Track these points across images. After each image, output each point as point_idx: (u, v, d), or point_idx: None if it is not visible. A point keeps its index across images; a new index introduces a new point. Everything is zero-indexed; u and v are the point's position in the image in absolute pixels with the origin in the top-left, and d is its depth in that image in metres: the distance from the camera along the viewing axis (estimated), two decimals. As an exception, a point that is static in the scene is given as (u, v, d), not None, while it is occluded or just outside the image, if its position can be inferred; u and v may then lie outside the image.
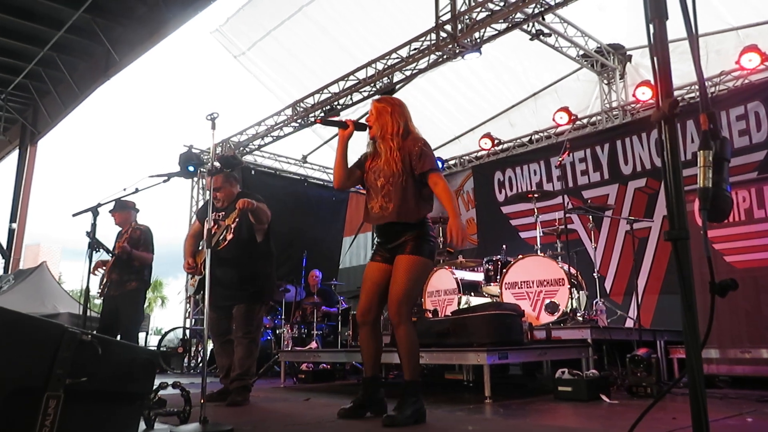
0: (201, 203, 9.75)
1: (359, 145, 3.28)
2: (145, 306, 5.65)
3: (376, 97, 3.83)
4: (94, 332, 1.71)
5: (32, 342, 1.47)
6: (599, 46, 7.91)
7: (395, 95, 7.51)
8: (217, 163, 3.56)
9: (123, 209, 5.22)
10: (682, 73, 5.99)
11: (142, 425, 2.53)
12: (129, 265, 5.11)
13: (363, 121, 3.20)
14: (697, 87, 6.96)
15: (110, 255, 5.08)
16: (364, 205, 3.19)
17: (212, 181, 3.83)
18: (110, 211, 5.23)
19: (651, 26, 1.24)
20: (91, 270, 5.34)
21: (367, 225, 3.30)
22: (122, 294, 5.10)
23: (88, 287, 4.73)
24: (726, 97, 6.53)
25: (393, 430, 2.68)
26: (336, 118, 3.17)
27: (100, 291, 5.35)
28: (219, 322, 4.10)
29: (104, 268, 5.29)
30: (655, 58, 1.20)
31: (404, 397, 2.87)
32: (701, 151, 1.16)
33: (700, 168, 1.16)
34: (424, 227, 3.02)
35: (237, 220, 3.85)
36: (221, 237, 3.93)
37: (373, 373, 3.10)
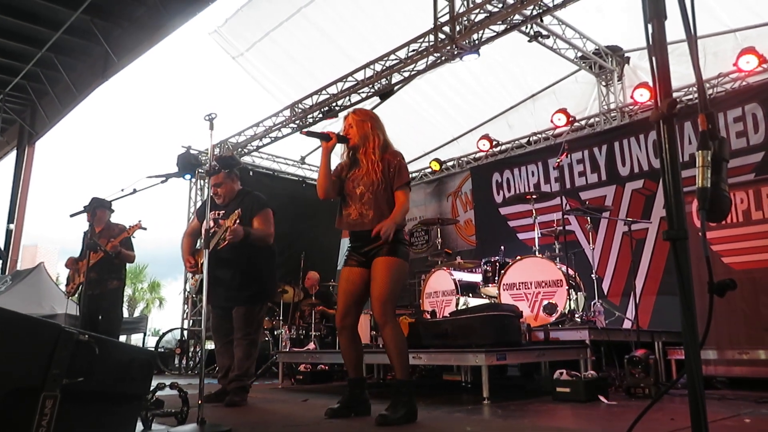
0: (199, 203, 9.74)
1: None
2: (124, 304, 5.64)
3: (354, 108, 3.90)
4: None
5: (29, 342, 1.47)
6: (597, 48, 7.92)
7: (392, 97, 7.57)
8: (215, 164, 3.56)
9: (100, 208, 5.11)
10: (680, 75, 5.96)
11: (140, 426, 2.53)
12: (111, 263, 5.08)
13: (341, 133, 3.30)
14: (694, 89, 6.98)
15: (110, 255, 5.07)
16: (338, 212, 3.26)
17: (213, 177, 3.86)
18: (86, 210, 4.97)
19: (650, 26, 1.24)
20: (65, 264, 5.33)
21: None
22: (104, 293, 5.07)
23: (86, 287, 4.73)
24: (723, 99, 6.54)
25: (386, 429, 2.70)
26: (319, 131, 3.23)
27: (68, 290, 5.30)
28: (221, 323, 4.10)
29: (76, 266, 5.26)
30: (653, 58, 1.20)
31: (396, 396, 2.92)
32: (699, 152, 1.16)
33: (698, 168, 1.16)
34: (398, 232, 3.11)
35: (237, 221, 3.82)
36: (221, 237, 3.90)
37: (357, 375, 3.18)
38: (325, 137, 3.17)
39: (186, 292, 9.60)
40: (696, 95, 6.96)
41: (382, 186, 3.10)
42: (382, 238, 2.95)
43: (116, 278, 5.21)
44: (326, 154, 3.17)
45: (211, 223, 3.89)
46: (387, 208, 3.09)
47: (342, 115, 7.82)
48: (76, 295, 5.33)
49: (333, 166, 3.28)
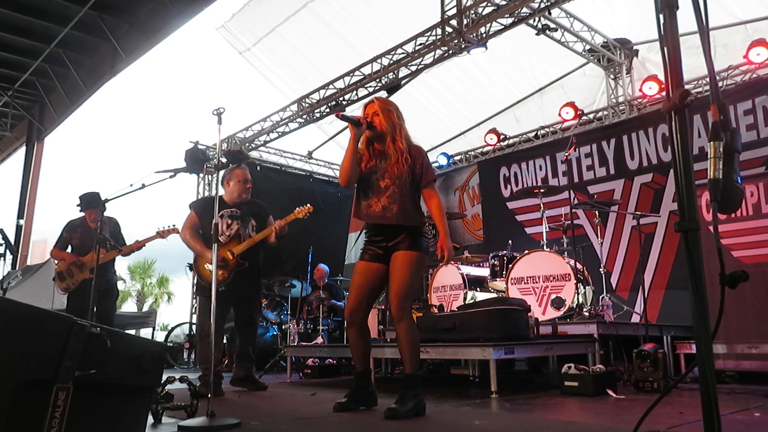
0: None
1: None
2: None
3: (376, 95, 3.90)
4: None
5: (42, 334, 1.48)
6: (606, 40, 7.87)
7: (400, 91, 7.55)
8: (223, 158, 3.59)
9: (100, 204, 5.01)
10: (689, 67, 5.87)
11: (150, 419, 2.55)
12: (113, 261, 5.10)
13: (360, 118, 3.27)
14: (703, 82, 6.92)
15: (118, 251, 5.09)
16: (354, 201, 3.23)
17: (245, 172, 4.31)
18: (90, 208, 5.00)
19: (661, 16, 1.23)
20: (65, 260, 5.21)
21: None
22: (105, 290, 5.02)
23: (95, 282, 4.74)
24: (733, 92, 6.48)
25: (395, 423, 2.71)
26: (351, 116, 3.18)
27: (64, 286, 5.08)
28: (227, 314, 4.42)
29: (78, 262, 5.09)
30: (665, 48, 1.19)
31: (405, 390, 2.93)
32: (712, 143, 1.15)
33: (710, 159, 1.15)
34: (420, 228, 3.12)
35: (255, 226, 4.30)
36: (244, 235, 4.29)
37: (364, 368, 3.18)
38: (356, 123, 3.11)
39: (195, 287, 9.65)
40: (705, 88, 6.92)
41: (408, 180, 3.08)
42: (445, 263, 3.13)
43: (113, 274, 5.24)
44: (355, 140, 3.10)
45: (230, 221, 4.26)
46: (411, 203, 3.09)
47: (349, 109, 7.84)
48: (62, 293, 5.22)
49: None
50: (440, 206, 3.16)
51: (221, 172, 3.99)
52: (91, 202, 4.97)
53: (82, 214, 5.18)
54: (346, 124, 3.17)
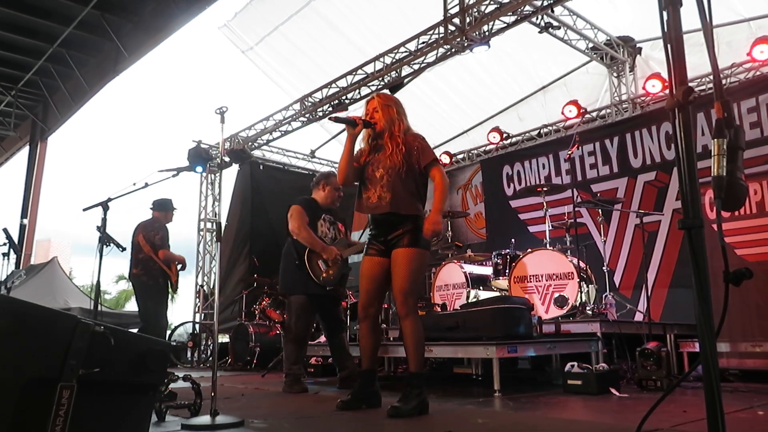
0: (209, 198, 9.77)
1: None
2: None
3: (379, 92, 3.90)
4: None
5: (46, 333, 1.49)
6: (609, 38, 7.85)
7: (402, 89, 7.55)
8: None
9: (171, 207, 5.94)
10: (692, 65, 5.85)
11: (153, 418, 2.55)
12: None
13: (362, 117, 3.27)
14: (707, 79, 6.89)
15: (121, 250, 5.15)
16: (357, 195, 3.25)
17: (338, 182, 4.43)
18: (164, 210, 5.86)
19: (665, 13, 1.23)
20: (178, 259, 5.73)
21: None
22: None
23: (99, 281, 4.76)
24: (737, 89, 6.46)
25: (398, 421, 2.71)
26: (345, 116, 3.19)
27: (176, 281, 5.82)
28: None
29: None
30: (668, 46, 1.19)
31: (409, 388, 2.93)
32: (715, 140, 1.15)
33: (714, 156, 1.15)
34: (419, 220, 3.10)
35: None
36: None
37: (371, 366, 3.18)
38: (351, 123, 3.14)
39: (202, 285, 9.71)
40: (708, 86, 6.89)
41: (403, 169, 3.07)
42: (426, 234, 3.01)
43: None
44: (351, 140, 3.14)
45: (329, 226, 4.49)
46: (406, 192, 3.07)
47: (352, 108, 7.85)
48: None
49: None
50: (441, 182, 3.10)
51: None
52: (167, 204, 5.86)
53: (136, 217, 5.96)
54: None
